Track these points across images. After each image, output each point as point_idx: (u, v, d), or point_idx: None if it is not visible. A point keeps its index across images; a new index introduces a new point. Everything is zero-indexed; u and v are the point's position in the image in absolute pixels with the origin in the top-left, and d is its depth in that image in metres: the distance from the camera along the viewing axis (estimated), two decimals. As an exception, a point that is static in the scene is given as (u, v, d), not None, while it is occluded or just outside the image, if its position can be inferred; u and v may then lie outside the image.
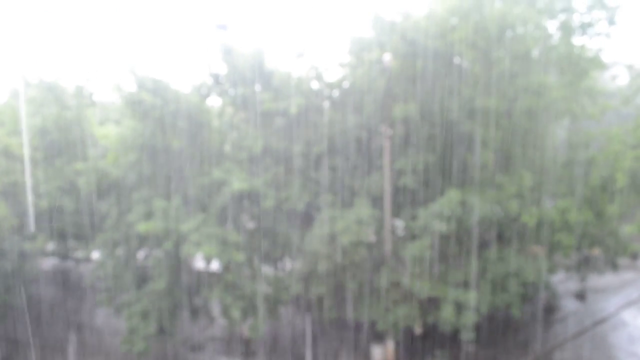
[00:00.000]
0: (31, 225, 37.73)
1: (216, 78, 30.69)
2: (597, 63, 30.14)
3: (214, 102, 32.14)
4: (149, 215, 29.75)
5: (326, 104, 28.03)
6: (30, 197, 37.48)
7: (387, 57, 26.20)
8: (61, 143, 38.45)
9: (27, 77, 47.24)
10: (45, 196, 37.39)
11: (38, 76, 44.05)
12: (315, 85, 29.03)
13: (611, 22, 29.64)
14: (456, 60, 27.15)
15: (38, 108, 40.20)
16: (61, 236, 40.18)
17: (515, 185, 28.40)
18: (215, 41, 30.37)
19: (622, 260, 36.68)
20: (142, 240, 32.00)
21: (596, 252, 34.58)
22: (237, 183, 28.39)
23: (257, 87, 28.24)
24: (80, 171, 34.85)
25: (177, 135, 30.81)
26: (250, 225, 31.48)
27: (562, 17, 29.32)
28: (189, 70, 51.61)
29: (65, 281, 48.04)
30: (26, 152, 38.29)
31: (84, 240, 38.58)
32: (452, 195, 26.95)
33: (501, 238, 30.48)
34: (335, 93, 28.91)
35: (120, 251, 33.44)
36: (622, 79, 36.92)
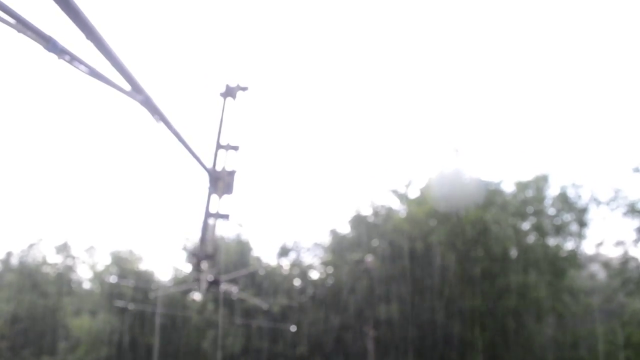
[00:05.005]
0: None
1: (199, 274, 30.61)
2: (573, 262, 31.00)
3: (196, 296, 31.67)
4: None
5: (309, 303, 27.73)
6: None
7: (369, 258, 26.75)
8: (32, 332, 36.82)
9: (7, 261, 46.86)
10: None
11: (19, 260, 43.76)
12: (298, 282, 29.07)
13: (581, 223, 31.18)
14: (437, 260, 27.73)
15: (15, 294, 39.23)
16: None
17: (507, 390, 27.07)
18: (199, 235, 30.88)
19: None
20: None
21: None
22: (213, 387, 26.66)
23: (240, 284, 28.09)
24: (45, 366, 32.79)
25: (154, 330, 29.72)
26: None
27: (534, 219, 30.87)
28: (172, 260, 51.73)
29: None
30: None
31: None
32: (442, 403, 25.42)
33: None
34: (318, 291, 28.82)
35: None
36: (601, 274, 37.60)
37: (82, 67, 4.07)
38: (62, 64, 3.83)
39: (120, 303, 29.85)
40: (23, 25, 3.27)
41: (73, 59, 3.89)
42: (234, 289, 15.72)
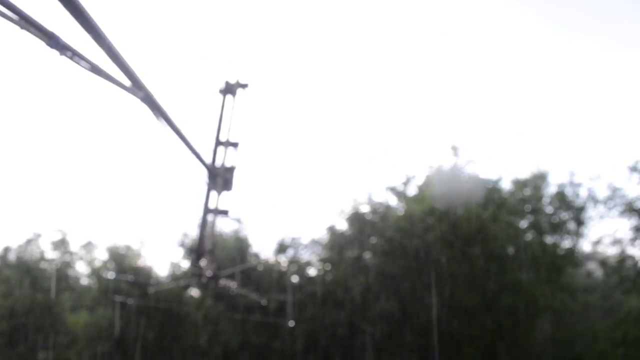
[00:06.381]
0: None
1: (198, 269, 30.65)
2: (570, 260, 31.08)
3: (194, 292, 31.70)
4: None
5: (307, 299, 27.77)
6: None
7: (368, 255, 26.82)
8: (29, 328, 36.77)
9: (5, 257, 46.71)
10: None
11: (17, 256, 43.61)
12: (296, 279, 29.11)
13: (579, 221, 31.25)
14: (434, 258, 27.81)
15: (12, 289, 39.17)
16: None
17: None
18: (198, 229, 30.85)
19: None
20: None
21: None
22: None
23: (238, 280, 28.12)
24: (42, 362, 32.76)
25: (152, 326, 29.80)
26: None
27: (531, 217, 30.95)
28: (170, 256, 51.67)
29: None
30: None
31: None
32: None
33: None
34: (316, 288, 28.84)
35: None
36: (598, 272, 37.75)
37: (83, 63, 4.09)
38: (63, 60, 3.84)
39: (119, 298, 29.86)
40: (26, 22, 3.29)
41: (75, 55, 3.91)
42: (232, 284, 15.72)
